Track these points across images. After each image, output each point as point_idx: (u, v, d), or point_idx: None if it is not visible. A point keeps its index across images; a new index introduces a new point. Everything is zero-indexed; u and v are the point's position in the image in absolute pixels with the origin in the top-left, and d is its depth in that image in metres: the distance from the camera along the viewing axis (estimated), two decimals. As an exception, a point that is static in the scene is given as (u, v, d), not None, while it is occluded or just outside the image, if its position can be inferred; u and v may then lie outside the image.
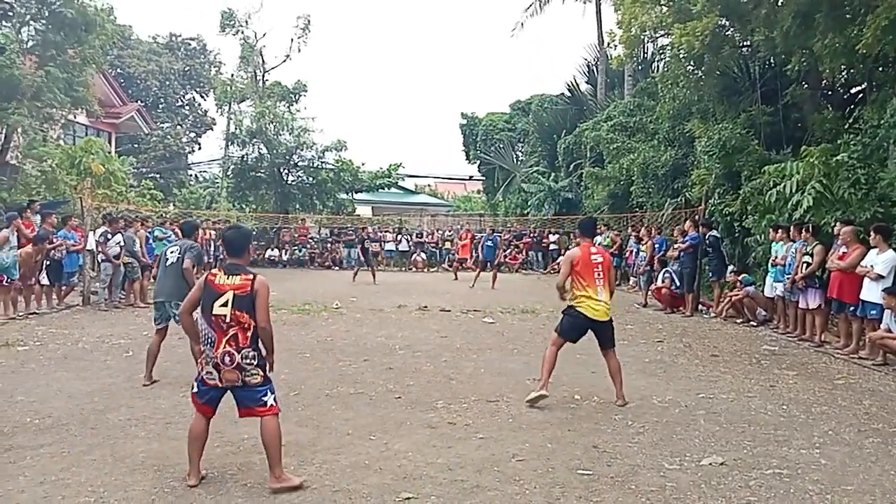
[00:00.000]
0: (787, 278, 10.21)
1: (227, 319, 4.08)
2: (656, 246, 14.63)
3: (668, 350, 9.16)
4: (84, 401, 6.03)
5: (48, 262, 11.53)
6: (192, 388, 4.27)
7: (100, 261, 12.45)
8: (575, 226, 22.20)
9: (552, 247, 24.84)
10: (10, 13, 15.92)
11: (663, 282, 13.49)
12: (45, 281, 11.65)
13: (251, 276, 4.20)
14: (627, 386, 6.87)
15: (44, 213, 12.49)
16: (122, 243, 12.45)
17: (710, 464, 4.64)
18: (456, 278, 20.52)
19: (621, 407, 6.14)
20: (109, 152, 21.65)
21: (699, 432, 5.38)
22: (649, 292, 14.37)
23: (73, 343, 8.76)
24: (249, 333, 4.12)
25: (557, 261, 23.83)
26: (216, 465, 4.47)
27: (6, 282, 10.50)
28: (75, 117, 20.29)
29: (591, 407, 6.11)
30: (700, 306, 13.10)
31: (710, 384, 7.13)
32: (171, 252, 7.01)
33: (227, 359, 4.06)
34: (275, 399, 4.21)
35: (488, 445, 4.97)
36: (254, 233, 4.57)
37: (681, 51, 14.19)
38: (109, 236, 12.23)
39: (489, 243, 18.99)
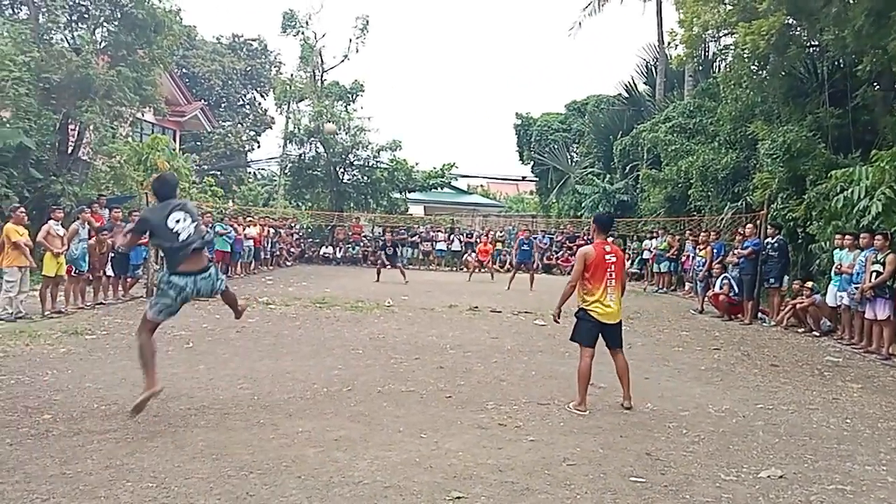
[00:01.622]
0: (856, 287, 9.81)
1: None
2: (715, 251, 14.28)
3: (725, 358, 8.92)
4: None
5: (113, 255, 12.01)
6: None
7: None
8: (630, 229, 22.21)
9: (606, 249, 24.44)
10: (86, 15, 16.64)
11: (721, 288, 13.15)
12: (110, 273, 12.12)
13: None
14: (683, 393, 6.76)
15: (111, 206, 13.02)
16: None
17: (769, 476, 4.50)
18: (469, 279, 20.31)
19: (628, 409, 6.05)
20: (174, 149, 22.40)
21: (757, 444, 5.23)
22: (706, 298, 14.03)
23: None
24: None
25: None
26: (271, 457, 4.57)
27: (75, 272, 10.99)
28: (143, 115, 21.06)
29: (644, 413, 6.01)
30: (760, 314, 12.71)
31: (770, 395, 6.92)
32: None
33: None
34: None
35: (539, 448, 4.95)
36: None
37: (745, 50, 13.80)
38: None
39: (525, 246, 18.83)
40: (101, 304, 11.73)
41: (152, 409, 5.58)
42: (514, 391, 6.64)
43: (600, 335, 6.22)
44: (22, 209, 10.54)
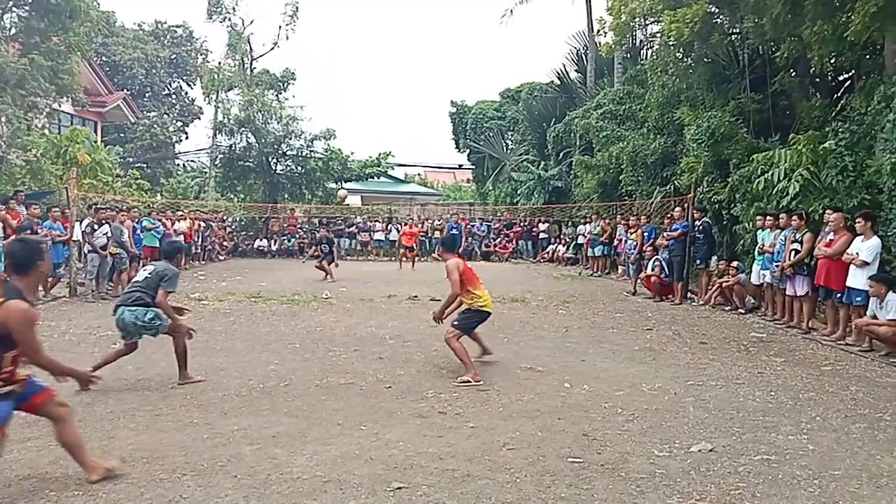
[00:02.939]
0: (776, 266, 10.27)
1: None
2: (645, 234, 14.68)
3: (657, 338, 9.20)
4: (71, 392, 5.95)
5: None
6: None
7: (86, 252, 12.34)
8: (564, 215, 22.60)
9: (542, 235, 24.88)
10: (-8, 0, 15.71)
11: (653, 270, 13.54)
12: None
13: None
14: (618, 374, 6.94)
15: (28, 203, 12.35)
16: (109, 234, 12.34)
17: (700, 451, 4.66)
18: (400, 267, 20.27)
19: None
20: (95, 142, 21.43)
21: (688, 419, 5.41)
22: (639, 280, 14.43)
23: (61, 335, 8.69)
24: None
25: (547, 249, 23.95)
26: (205, 457, 4.44)
27: (-9, 273, 10.37)
28: (60, 106, 20.03)
29: (581, 395, 6.13)
30: (689, 294, 13.16)
31: (699, 371, 7.17)
32: (144, 269, 6.65)
33: None
34: (41, 388, 3.94)
35: (479, 434, 4.98)
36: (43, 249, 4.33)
37: (670, 38, 14.16)
38: (96, 227, 12.11)
39: (454, 231, 18.87)
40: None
41: (76, 413, 5.32)
42: (454, 378, 6.66)
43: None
44: None
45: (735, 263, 12.15)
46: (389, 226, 26.77)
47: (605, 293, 14.55)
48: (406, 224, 23.52)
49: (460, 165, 42.29)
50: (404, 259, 21.01)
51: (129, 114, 29.83)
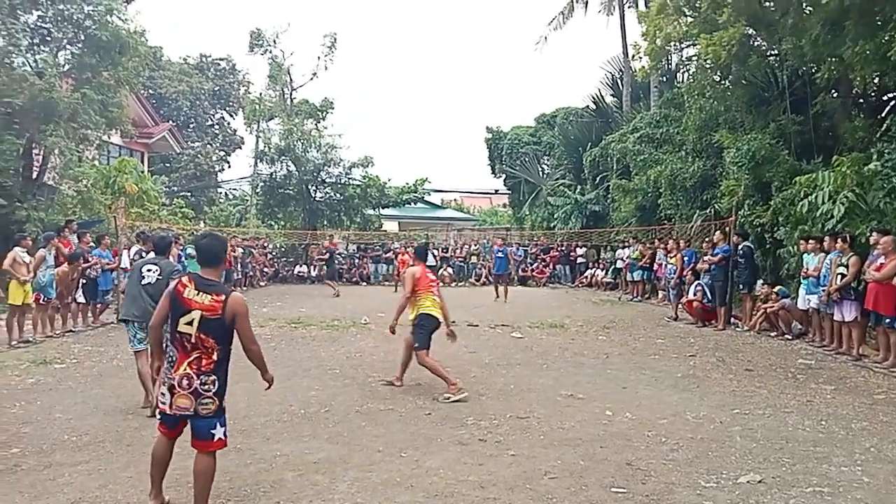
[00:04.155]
0: (822, 290, 10.01)
1: (192, 340, 3.80)
2: (685, 258, 14.48)
3: (700, 364, 9.02)
4: (119, 418, 6.12)
5: (84, 281, 11.77)
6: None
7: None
8: (602, 239, 22.47)
9: (580, 260, 24.71)
10: (49, 38, 16.39)
11: (695, 294, 13.31)
12: (80, 299, 11.87)
13: (223, 296, 3.84)
14: (661, 401, 6.82)
15: (79, 232, 12.78)
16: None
17: (748, 482, 4.55)
18: (396, 290, 20.26)
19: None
20: (142, 172, 22.08)
21: (735, 449, 5.28)
22: (680, 305, 14.19)
23: (108, 361, 8.91)
24: (214, 358, 3.82)
25: (585, 274, 23.78)
26: (249, 483, 4.50)
27: (43, 300, 10.73)
28: (109, 138, 20.74)
29: (624, 423, 6.04)
30: (732, 319, 12.89)
31: (745, 399, 7.00)
32: (149, 271, 6.46)
33: (184, 382, 3.78)
34: (224, 433, 3.93)
35: (520, 462, 4.94)
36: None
37: (707, 61, 14.08)
38: (144, 254, 12.42)
39: (500, 254, 18.93)
40: (71, 331, 11.48)
41: (125, 439, 5.48)
42: (494, 405, 6.63)
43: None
44: None
45: (778, 288, 11.87)
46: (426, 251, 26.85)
47: (645, 318, 14.33)
48: (402, 252, 23.63)
49: (496, 190, 42.38)
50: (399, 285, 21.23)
51: (175, 144, 30.71)
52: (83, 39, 15.94)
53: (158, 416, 4.00)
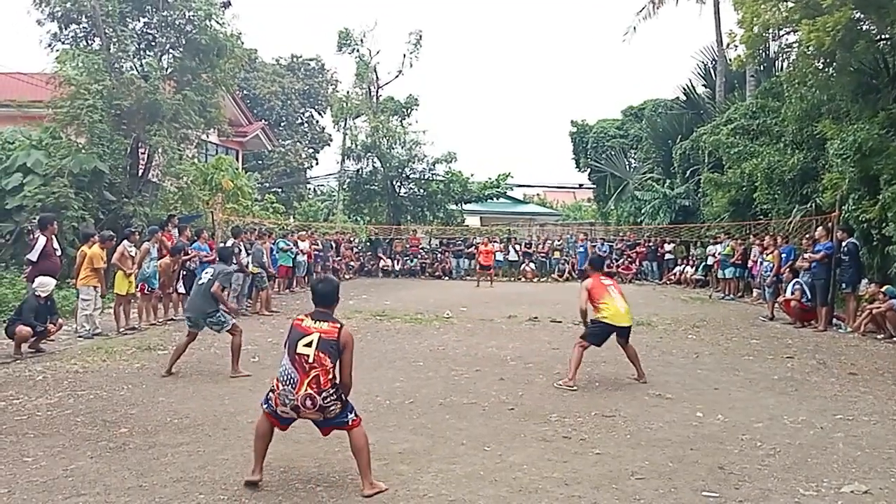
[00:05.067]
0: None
1: (311, 360, 4.15)
2: (783, 255, 13.77)
3: (799, 367, 8.56)
4: (216, 403, 6.44)
5: (184, 273, 12.43)
6: (263, 405, 4.42)
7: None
8: (692, 235, 21.73)
9: (668, 256, 23.95)
10: (153, 43, 17.39)
11: (793, 293, 12.63)
12: (181, 290, 12.54)
13: (339, 325, 4.30)
14: (755, 404, 6.57)
15: (180, 226, 13.50)
16: (250, 254, 13.22)
17: (852, 492, 4.28)
18: (478, 286, 20.92)
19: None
20: (237, 169, 23.09)
21: (837, 457, 4.98)
22: (777, 304, 13.51)
23: (206, 348, 9.37)
24: (330, 376, 4.19)
25: (673, 271, 23.06)
26: (337, 470, 4.63)
27: (147, 290, 11.44)
28: (207, 137, 21.77)
29: (716, 425, 5.81)
30: (835, 320, 12.16)
31: (849, 405, 6.59)
32: (206, 273, 7.95)
33: (308, 402, 4.15)
34: (355, 413, 4.37)
35: (605, 461, 4.85)
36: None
37: (809, 48, 13.29)
38: (241, 249, 13.02)
39: (582, 249, 18.67)
40: (172, 320, 12.16)
41: (222, 423, 5.75)
42: (578, 402, 6.54)
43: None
44: (112, 236, 11.01)
45: (886, 288, 11.10)
46: (508, 246, 26.81)
47: (738, 318, 13.74)
48: (483, 242, 23.68)
49: (581, 185, 41.65)
50: (482, 279, 21.29)
51: (267, 142, 31.92)
52: (184, 44, 16.79)
53: (266, 408, 4.39)
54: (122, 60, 16.55)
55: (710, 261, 19.72)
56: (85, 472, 4.52)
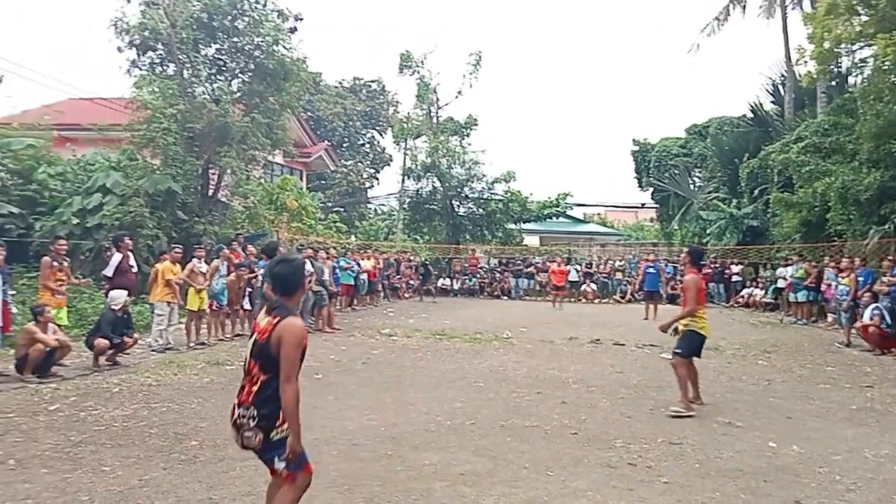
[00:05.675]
0: None
1: (246, 366, 3.46)
2: (860, 279, 13.15)
3: (879, 397, 8.12)
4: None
5: (250, 289, 12.77)
6: None
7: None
8: (761, 256, 21.03)
9: (735, 278, 23.20)
10: (224, 68, 18.11)
11: (871, 319, 12.03)
12: (247, 306, 12.88)
13: (277, 319, 3.34)
14: (832, 436, 6.28)
15: (246, 244, 13.92)
16: (312, 272, 13.49)
17: (943, 533, 4.03)
18: (554, 306, 20.67)
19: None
20: (301, 189, 23.69)
21: (926, 495, 4.70)
22: (853, 330, 12.89)
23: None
24: (255, 389, 3.35)
25: (741, 293, 22.30)
26: (399, 490, 4.65)
27: (216, 306, 11.80)
28: (273, 157, 22.45)
29: (790, 456, 5.57)
30: (918, 348, 11.50)
31: (937, 439, 6.21)
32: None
33: (232, 412, 3.45)
34: (287, 468, 3.39)
35: (673, 491, 4.71)
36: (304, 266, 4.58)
37: (885, 62, 12.79)
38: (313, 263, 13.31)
39: (651, 270, 18.30)
40: (239, 335, 12.49)
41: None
42: (644, 429, 6.37)
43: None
44: (179, 248, 11.50)
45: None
46: (568, 266, 26.51)
47: (812, 343, 13.17)
48: (557, 263, 23.49)
49: (643, 204, 40.95)
50: (558, 299, 21.28)
51: (330, 163, 32.66)
52: (253, 68, 17.43)
53: None
54: (195, 85, 17.28)
55: (781, 283, 18.99)
56: (158, 483, 4.67)
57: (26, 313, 9.29)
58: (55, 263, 9.49)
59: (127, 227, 13.77)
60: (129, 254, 10.81)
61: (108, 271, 10.39)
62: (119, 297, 9.62)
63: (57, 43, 62.18)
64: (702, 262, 7.86)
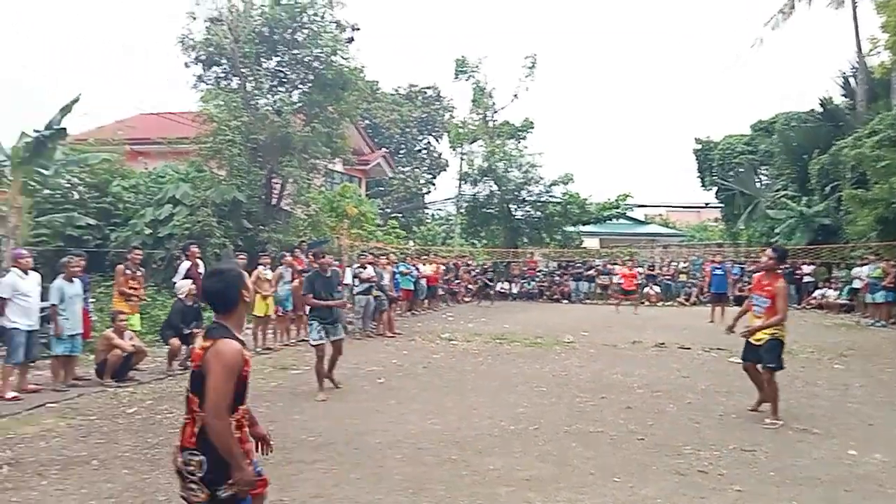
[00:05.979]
0: None
1: (187, 402, 2.83)
2: (945, 278, 12.45)
3: (970, 403, 7.66)
4: (346, 422, 6.67)
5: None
6: None
7: (355, 293, 13.76)
8: (835, 255, 20.15)
9: (806, 279, 22.29)
10: (285, 80, 18.60)
11: (957, 320, 11.38)
12: (310, 312, 13.14)
13: (209, 344, 2.75)
14: (919, 444, 5.91)
15: (308, 251, 14.21)
16: (373, 277, 13.68)
17: None
18: (616, 310, 20.04)
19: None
20: (361, 196, 24.03)
21: None
22: (937, 332, 12.21)
23: (336, 369, 9.73)
24: (197, 430, 2.74)
25: (814, 294, 21.41)
26: (465, 494, 4.65)
27: (281, 312, 12.09)
28: (334, 166, 22.88)
29: (872, 465, 5.31)
30: None
31: None
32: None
33: (174, 457, 2.85)
34: None
35: (746, 499, 4.56)
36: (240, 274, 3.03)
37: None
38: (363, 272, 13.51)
39: (719, 272, 17.80)
40: (304, 340, 12.72)
41: (352, 442, 5.94)
42: (713, 435, 6.19)
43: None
44: (243, 256, 11.87)
45: None
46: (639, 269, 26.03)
47: (892, 346, 12.54)
48: (628, 266, 23.01)
49: (706, 204, 39.84)
50: (624, 303, 20.77)
51: (388, 169, 33.03)
52: (313, 79, 17.83)
53: None
54: (258, 97, 17.80)
55: (857, 284, 18.16)
56: (231, 485, 4.81)
57: (105, 320, 9.73)
58: (128, 271, 9.90)
59: (196, 236, 14.27)
60: (198, 261, 11.20)
61: (177, 279, 10.80)
62: (184, 285, 9.95)
63: (127, 59, 65.07)
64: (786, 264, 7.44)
